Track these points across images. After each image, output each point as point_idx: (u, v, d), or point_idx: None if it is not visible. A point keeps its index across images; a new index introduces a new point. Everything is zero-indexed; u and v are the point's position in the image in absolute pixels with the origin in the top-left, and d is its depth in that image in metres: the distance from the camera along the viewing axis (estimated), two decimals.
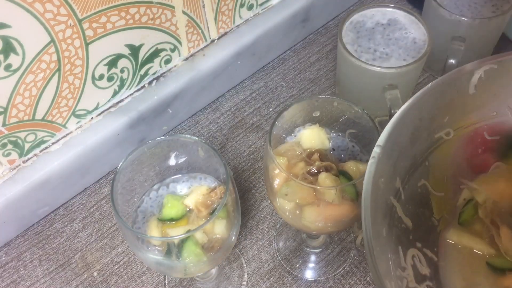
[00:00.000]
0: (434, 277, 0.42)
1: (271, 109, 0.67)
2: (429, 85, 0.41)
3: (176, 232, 0.42)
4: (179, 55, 0.61)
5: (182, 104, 0.63)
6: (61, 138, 0.57)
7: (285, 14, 0.66)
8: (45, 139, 0.55)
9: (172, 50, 0.60)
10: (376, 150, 0.38)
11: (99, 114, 0.58)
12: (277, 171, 0.43)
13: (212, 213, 0.43)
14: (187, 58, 0.62)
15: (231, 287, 0.55)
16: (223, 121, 0.66)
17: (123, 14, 0.51)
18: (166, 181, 0.47)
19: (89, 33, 0.50)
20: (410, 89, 0.62)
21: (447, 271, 0.44)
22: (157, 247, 0.42)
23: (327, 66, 0.70)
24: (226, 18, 0.63)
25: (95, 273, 0.56)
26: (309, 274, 0.56)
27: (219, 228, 0.42)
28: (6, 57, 0.45)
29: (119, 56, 0.55)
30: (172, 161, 0.47)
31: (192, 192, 0.45)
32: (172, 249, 0.41)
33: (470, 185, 0.47)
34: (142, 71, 0.59)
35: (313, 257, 0.57)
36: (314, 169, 0.43)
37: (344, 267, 0.56)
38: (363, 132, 0.45)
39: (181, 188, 0.47)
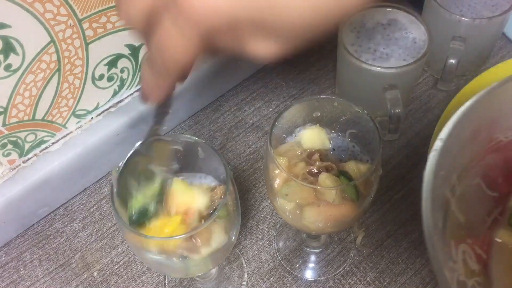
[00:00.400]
0: (483, 274, 0.42)
1: (271, 109, 0.67)
2: (495, 84, 0.41)
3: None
4: None
5: (182, 103, 0.63)
6: (61, 138, 0.57)
7: None
8: (45, 139, 0.55)
9: None
10: (438, 143, 0.38)
11: (99, 114, 0.58)
12: (277, 171, 0.43)
13: (212, 213, 0.43)
14: None
15: (231, 287, 0.55)
16: (223, 121, 0.66)
17: None
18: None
19: (89, 33, 0.50)
20: (410, 89, 0.62)
21: (496, 270, 0.44)
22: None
23: (327, 66, 0.70)
24: None
25: (95, 273, 0.56)
26: (309, 274, 0.56)
27: (219, 228, 0.42)
28: (6, 57, 0.45)
29: (119, 56, 0.55)
30: (172, 161, 0.47)
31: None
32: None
33: None
34: None
35: (313, 257, 0.57)
36: (314, 169, 0.43)
37: (344, 267, 0.56)
38: (363, 132, 0.45)
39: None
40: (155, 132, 0.42)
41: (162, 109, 0.41)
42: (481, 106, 0.41)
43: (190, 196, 0.44)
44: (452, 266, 0.39)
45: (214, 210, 0.43)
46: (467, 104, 0.40)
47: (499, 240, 0.46)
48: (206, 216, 0.43)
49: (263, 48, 0.31)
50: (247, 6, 0.27)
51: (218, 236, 0.42)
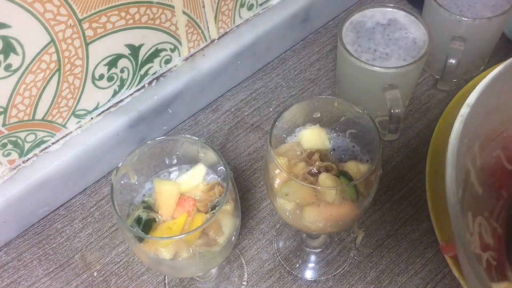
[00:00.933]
0: (498, 249, 0.42)
1: (271, 109, 0.67)
2: None
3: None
4: (179, 55, 0.61)
5: (182, 104, 0.63)
6: (61, 138, 0.57)
7: (285, 14, 0.66)
8: (45, 139, 0.55)
9: (172, 50, 0.60)
10: (465, 110, 0.37)
11: (99, 114, 0.58)
12: (277, 171, 0.43)
13: (212, 212, 0.43)
14: (187, 58, 0.62)
15: (231, 287, 0.55)
16: (223, 121, 0.66)
17: (123, 14, 0.51)
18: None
19: (89, 33, 0.50)
20: (410, 89, 0.62)
21: (510, 244, 0.43)
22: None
23: (327, 66, 0.70)
24: (226, 18, 0.63)
25: (95, 273, 0.56)
26: (309, 274, 0.56)
27: (225, 214, 0.42)
28: (6, 57, 0.45)
29: (119, 56, 0.55)
30: (172, 161, 0.47)
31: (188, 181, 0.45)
32: None
33: None
34: (142, 71, 0.59)
35: (313, 257, 0.57)
36: (314, 169, 0.43)
37: (344, 267, 0.56)
38: (363, 132, 0.45)
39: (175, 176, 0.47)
40: None
41: None
42: (509, 76, 0.40)
43: (175, 188, 0.44)
44: (469, 238, 0.38)
45: (214, 210, 0.43)
46: (495, 71, 0.39)
47: None
48: (206, 209, 0.43)
49: None
50: None
51: (227, 221, 0.42)
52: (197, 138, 0.44)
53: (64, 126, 0.56)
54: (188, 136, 0.44)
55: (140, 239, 0.41)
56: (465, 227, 0.38)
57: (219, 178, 0.46)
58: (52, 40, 0.47)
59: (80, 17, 0.48)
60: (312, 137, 0.46)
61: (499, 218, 0.44)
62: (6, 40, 0.44)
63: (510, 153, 0.44)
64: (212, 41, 0.64)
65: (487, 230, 0.41)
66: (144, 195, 0.45)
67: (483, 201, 0.42)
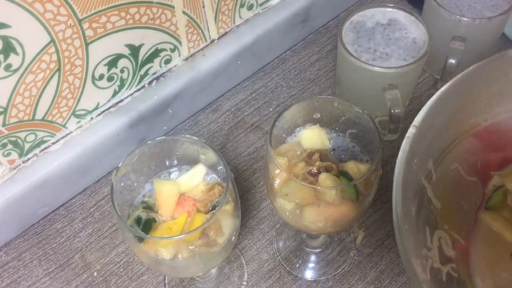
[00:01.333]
0: (460, 260, 0.42)
1: (271, 109, 0.67)
2: (471, 67, 0.40)
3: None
4: (179, 55, 0.61)
5: (182, 104, 0.63)
6: (61, 138, 0.57)
7: (285, 14, 0.66)
8: (45, 139, 0.55)
9: (172, 50, 0.60)
10: (411, 130, 0.37)
11: (99, 114, 0.58)
12: (277, 171, 0.43)
13: (212, 212, 0.43)
14: (187, 58, 0.62)
15: (231, 287, 0.55)
16: (223, 121, 0.66)
17: (123, 14, 0.51)
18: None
19: (89, 33, 0.50)
20: (410, 89, 0.62)
21: (475, 257, 0.44)
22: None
23: (327, 66, 0.70)
24: (226, 18, 0.63)
25: (95, 273, 0.56)
26: (309, 274, 0.56)
27: (225, 214, 0.42)
28: (6, 57, 0.45)
29: (119, 56, 0.55)
30: (172, 161, 0.47)
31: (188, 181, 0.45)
32: None
33: (501, 172, 0.46)
34: (142, 71, 0.59)
35: (313, 257, 0.57)
36: (314, 169, 0.43)
37: (344, 267, 0.56)
38: (363, 132, 0.45)
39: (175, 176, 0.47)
40: None
41: None
42: (457, 90, 0.40)
43: (175, 188, 0.44)
44: (426, 253, 0.38)
45: (214, 210, 0.43)
46: (442, 89, 0.40)
47: (482, 222, 0.46)
48: (205, 209, 0.43)
49: None
50: None
51: (227, 222, 0.42)
52: (197, 138, 0.44)
53: (64, 126, 0.56)
54: (188, 136, 0.44)
55: (140, 239, 0.41)
56: (421, 243, 0.38)
57: (219, 178, 0.46)
58: (52, 40, 0.47)
59: (80, 17, 0.48)
60: (312, 137, 0.46)
61: (461, 230, 0.44)
62: (6, 40, 0.44)
63: (467, 165, 0.44)
64: (212, 41, 0.64)
65: (447, 243, 0.41)
66: (144, 195, 0.45)
67: (443, 215, 0.42)
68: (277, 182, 0.43)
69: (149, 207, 0.44)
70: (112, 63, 0.55)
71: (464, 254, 0.44)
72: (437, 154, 0.42)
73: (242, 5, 0.63)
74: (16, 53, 0.46)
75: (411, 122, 0.64)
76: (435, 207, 0.41)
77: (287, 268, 0.56)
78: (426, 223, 0.39)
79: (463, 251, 0.43)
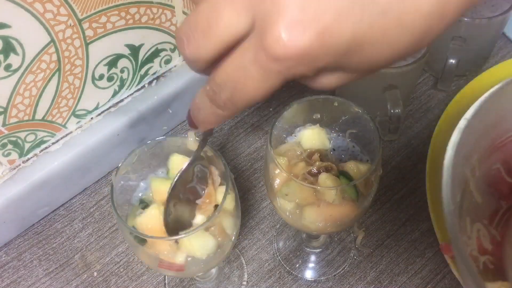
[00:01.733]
0: (496, 255, 0.42)
1: (271, 109, 0.67)
2: None
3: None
4: (179, 55, 0.61)
5: (182, 104, 0.63)
6: (61, 138, 0.57)
7: None
8: (45, 139, 0.55)
9: (172, 50, 0.60)
10: (462, 122, 0.38)
11: (99, 114, 0.58)
12: (277, 171, 0.43)
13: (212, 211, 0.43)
14: None
15: (231, 287, 0.55)
16: None
17: (123, 14, 0.51)
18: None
19: (89, 33, 0.50)
20: (410, 89, 0.62)
21: (509, 255, 0.44)
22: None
23: None
24: None
25: (95, 273, 0.56)
26: (309, 274, 0.56)
27: (226, 215, 0.42)
28: (6, 57, 0.45)
29: (119, 56, 0.55)
30: None
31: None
32: None
33: None
34: (142, 71, 0.59)
35: (313, 257, 0.57)
36: (314, 170, 0.43)
37: (344, 267, 0.56)
38: (363, 132, 0.45)
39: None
40: (198, 155, 0.42)
41: (208, 133, 0.40)
42: (508, 93, 0.41)
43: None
44: (466, 240, 0.38)
45: (214, 210, 0.43)
46: (494, 88, 0.39)
47: None
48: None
49: (332, 81, 0.30)
50: (336, 51, 0.25)
51: (228, 221, 0.42)
52: (197, 138, 0.44)
53: (64, 126, 0.56)
54: None
55: (140, 239, 0.41)
56: (462, 229, 0.38)
57: (219, 178, 0.46)
58: (52, 40, 0.47)
59: (80, 17, 0.48)
60: (312, 137, 0.46)
61: (498, 228, 0.45)
62: (6, 40, 0.44)
63: (509, 167, 0.45)
64: None
65: (485, 236, 0.42)
66: (141, 194, 0.45)
67: (483, 210, 0.42)
68: (277, 182, 0.43)
69: (147, 206, 0.44)
70: (112, 63, 0.55)
71: (499, 250, 0.44)
72: (482, 151, 0.42)
73: None
74: (16, 53, 0.46)
75: (411, 122, 0.65)
76: (476, 201, 0.41)
77: (287, 268, 0.56)
78: (467, 213, 0.40)
79: (499, 247, 0.44)
